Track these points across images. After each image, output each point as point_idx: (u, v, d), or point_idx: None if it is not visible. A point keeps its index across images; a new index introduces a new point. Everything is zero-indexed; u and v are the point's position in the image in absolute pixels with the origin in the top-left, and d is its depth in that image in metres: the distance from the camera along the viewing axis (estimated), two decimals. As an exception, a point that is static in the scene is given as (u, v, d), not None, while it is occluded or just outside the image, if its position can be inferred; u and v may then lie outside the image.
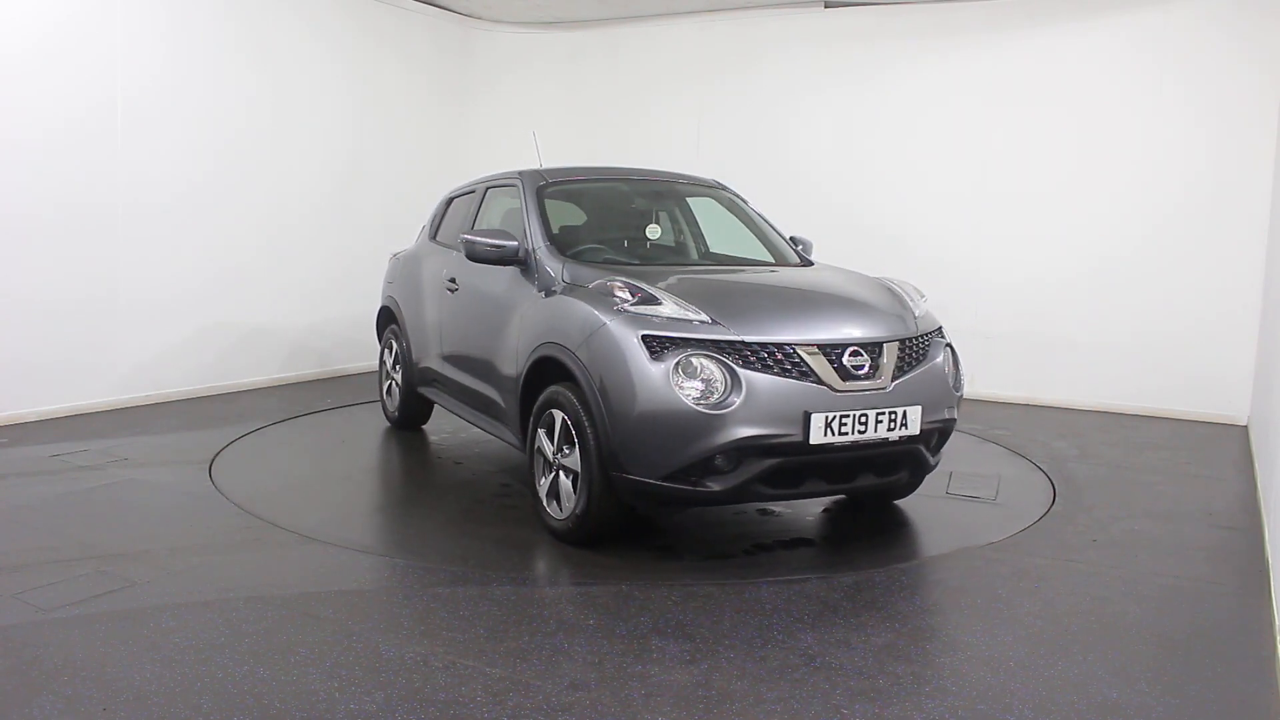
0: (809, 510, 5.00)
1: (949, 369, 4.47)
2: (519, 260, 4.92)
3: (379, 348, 6.99)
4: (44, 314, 6.37)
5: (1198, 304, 7.53)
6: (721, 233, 5.82)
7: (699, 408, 3.84)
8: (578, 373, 4.17)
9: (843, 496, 5.08)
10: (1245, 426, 7.32)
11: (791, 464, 3.97)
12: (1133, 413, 7.73)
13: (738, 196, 5.87)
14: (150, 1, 6.85)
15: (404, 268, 6.61)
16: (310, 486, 5.32)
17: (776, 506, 4.98)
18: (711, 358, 3.91)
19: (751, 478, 3.93)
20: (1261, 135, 7.27)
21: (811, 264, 5.40)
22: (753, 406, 3.86)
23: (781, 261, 5.39)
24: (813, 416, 3.89)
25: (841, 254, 8.52)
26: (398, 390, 6.58)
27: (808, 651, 3.29)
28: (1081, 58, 7.84)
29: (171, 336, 7.20)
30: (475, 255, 4.93)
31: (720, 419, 3.84)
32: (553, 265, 4.70)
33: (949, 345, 4.58)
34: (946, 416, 4.36)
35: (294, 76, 8.02)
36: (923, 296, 4.80)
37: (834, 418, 3.93)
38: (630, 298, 4.14)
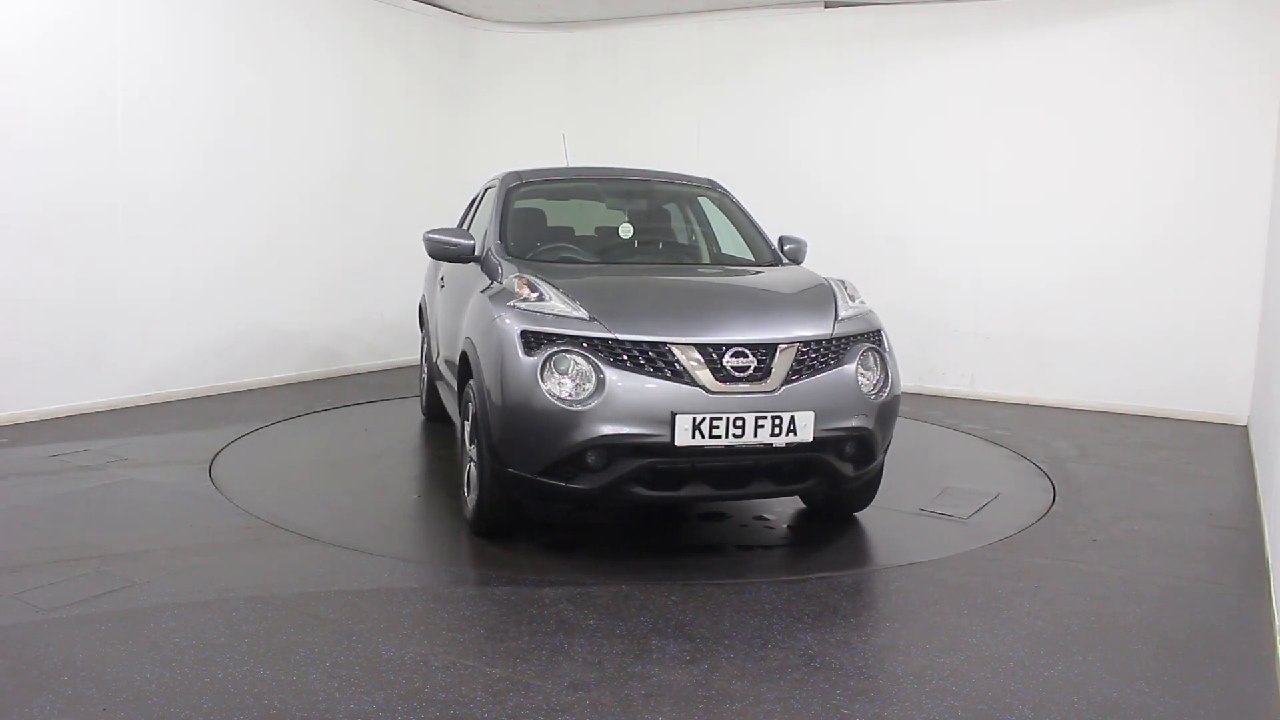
0: (802, 513, 4.99)
1: (870, 375, 4.23)
2: (475, 258, 4.98)
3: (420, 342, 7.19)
4: (44, 314, 6.37)
5: (1198, 303, 7.53)
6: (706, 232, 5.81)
7: (560, 404, 3.83)
8: (474, 366, 4.25)
9: (802, 505, 4.98)
10: (1245, 426, 7.32)
11: (666, 466, 3.88)
12: (1133, 413, 7.73)
13: (727, 195, 5.81)
14: (150, 1, 6.85)
15: (432, 266, 6.79)
16: (310, 486, 5.32)
17: (766, 513, 4.98)
18: (580, 354, 3.89)
19: (623, 477, 3.87)
20: (1261, 135, 7.27)
21: (781, 264, 5.26)
22: (616, 405, 3.81)
23: (755, 262, 5.31)
24: (678, 418, 3.80)
25: (841, 253, 8.54)
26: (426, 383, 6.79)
27: (808, 651, 3.29)
28: (1081, 58, 7.84)
29: (172, 336, 7.19)
30: (432, 252, 5.01)
31: (581, 416, 3.81)
32: (498, 263, 4.76)
33: (876, 350, 4.31)
34: (852, 425, 4.06)
35: (294, 76, 8.02)
36: (854, 299, 4.53)
37: (703, 420, 3.81)
38: (528, 294, 4.16)
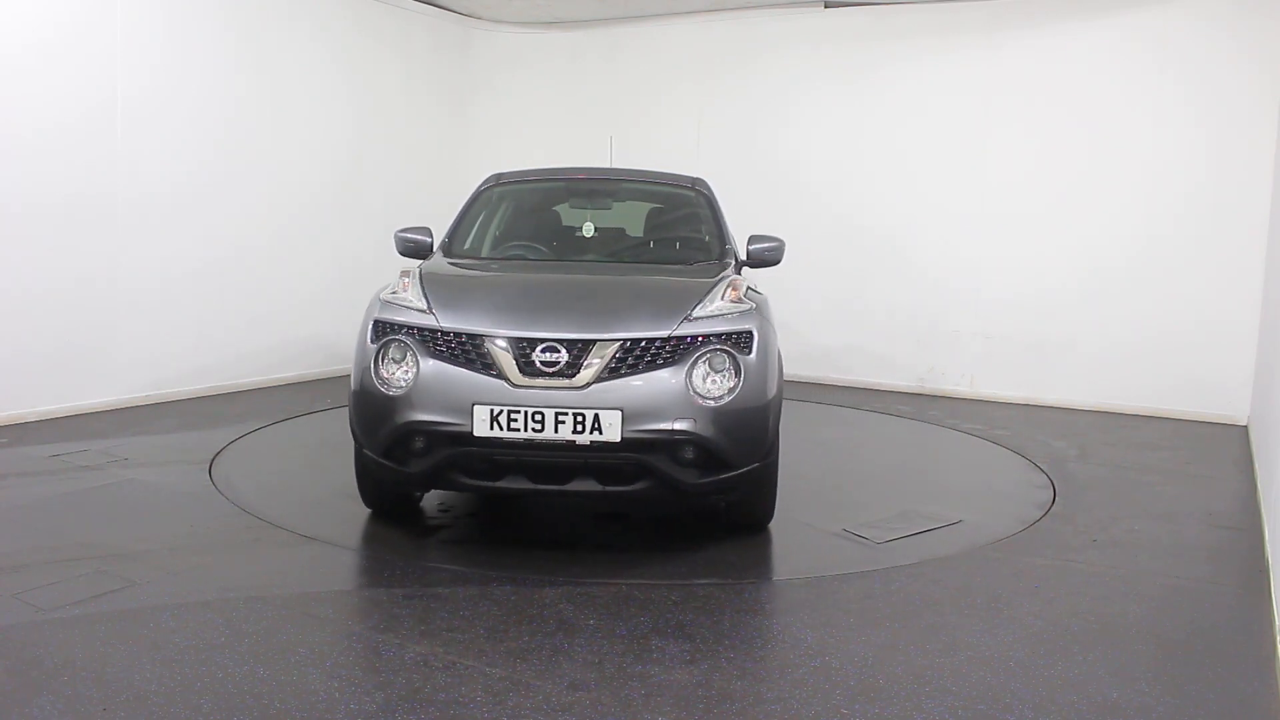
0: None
1: (718, 378, 4.02)
2: (433, 254, 5.11)
3: None
4: (45, 314, 6.36)
5: (1198, 303, 7.53)
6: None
7: (384, 389, 4.07)
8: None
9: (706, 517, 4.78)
10: (1245, 426, 7.32)
11: (481, 455, 3.95)
12: (1133, 413, 7.72)
13: (704, 195, 5.65)
14: (150, 1, 6.84)
15: None
16: (310, 486, 5.32)
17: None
18: (407, 343, 4.10)
19: (442, 463, 4.01)
20: (1262, 135, 7.27)
21: (727, 266, 4.95)
22: (425, 393, 3.99)
23: (695, 262, 5.09)
24: (476, 408, 3.90)
25: (840, 253, 8.56)
26: None
27: (808, 651, 3.30)
28: (1081, 58, 7.84)
29: (172, 336, 7.18)
30: (400, 249, 5.16)
31: (397, 401, 4.02)
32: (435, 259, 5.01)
33: (728, 353, 4.05)
34: (674, 428, 3.89)
35: (294, 76, 8.02)
36: (725, 300, 4.27)
37: (501, 412, 3.88)
38: (398, 287, 4.39)
